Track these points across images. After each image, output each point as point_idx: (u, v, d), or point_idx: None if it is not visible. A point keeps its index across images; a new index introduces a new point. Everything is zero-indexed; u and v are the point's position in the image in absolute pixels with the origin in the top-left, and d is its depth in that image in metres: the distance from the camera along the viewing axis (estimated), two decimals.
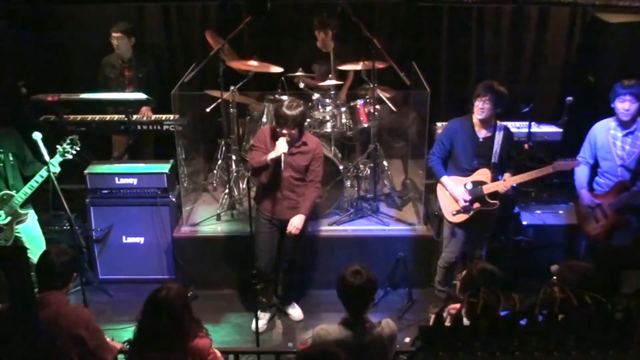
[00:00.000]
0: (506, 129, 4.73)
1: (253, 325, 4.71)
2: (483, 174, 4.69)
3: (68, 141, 4.71)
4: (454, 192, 4.74)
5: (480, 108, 4.56)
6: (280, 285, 5.17)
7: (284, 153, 4.38)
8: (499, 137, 4.66)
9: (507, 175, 4.68)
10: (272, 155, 4.41)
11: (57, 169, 4.66)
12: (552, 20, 6.31)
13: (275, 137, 4.50)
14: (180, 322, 3.12)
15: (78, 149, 4.77)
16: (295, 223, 4.66)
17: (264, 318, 5.03)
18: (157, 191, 5.49)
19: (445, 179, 4.80)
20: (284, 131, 4.41)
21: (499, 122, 4.71)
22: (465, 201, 4.70)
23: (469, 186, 4.72)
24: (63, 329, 3.27)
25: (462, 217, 4.78)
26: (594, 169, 4.82)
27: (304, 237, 4.92)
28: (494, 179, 4.68)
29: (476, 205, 4.71)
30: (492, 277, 3.34)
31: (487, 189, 4.66)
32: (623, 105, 4.50)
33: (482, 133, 4.69)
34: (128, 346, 3.66)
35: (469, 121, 4.71)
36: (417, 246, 5.46)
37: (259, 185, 4.78)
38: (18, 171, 4.77)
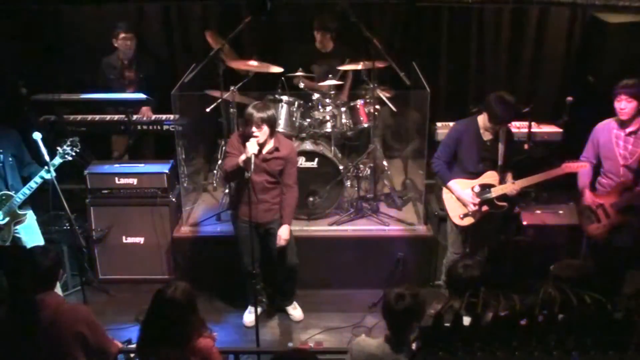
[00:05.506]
0: (508, 130, 4.72)
1: (245, 320, 4.93)
2: (491, 177, 4.68)
3: (68, 143, 4.71)
4: (462, 196, 4.72)
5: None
6: (281, 289, 5.18)
7: (254, 154, 4.39)
8: (502, 138, 4.66)
9: (509, 176, 4.67)
10: (242, 157, 4.42)
11: (53, 174, 4.62)
12: (551, 20, 6.30)
13: (245, 141, 4.50)
14: (186, 320, 3.13)
15: (78, 150, 4.77)
16: (284, 235, 4.76)
17: (253, 312, 4.93)
18: (157, 191, 5.49)
19: (452, 183, 4.75)
20: (253, 129, 4.44)
21: None
22: (475, 205, 4.69)
23: (477, 189, 4.70)
24: (64, 329, 3.27)
25: (470, 220, 4.76)
26: (597, 168, 4.82)
27: (292, 237, 4.92)
28: (502, 181, 4.67)
29: (484, 208, 4.71)
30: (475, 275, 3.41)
31: (496, 191, 4.66)
32: (619, 104, 4.54)
33: (487, 135, 4.69)
34: (128, 346, 3.67)
35: (475, 124, 4.70)
36: (417, 246, 5.46)
37: (235, 191, 4.78)
38: (17, 172, 4.77)
